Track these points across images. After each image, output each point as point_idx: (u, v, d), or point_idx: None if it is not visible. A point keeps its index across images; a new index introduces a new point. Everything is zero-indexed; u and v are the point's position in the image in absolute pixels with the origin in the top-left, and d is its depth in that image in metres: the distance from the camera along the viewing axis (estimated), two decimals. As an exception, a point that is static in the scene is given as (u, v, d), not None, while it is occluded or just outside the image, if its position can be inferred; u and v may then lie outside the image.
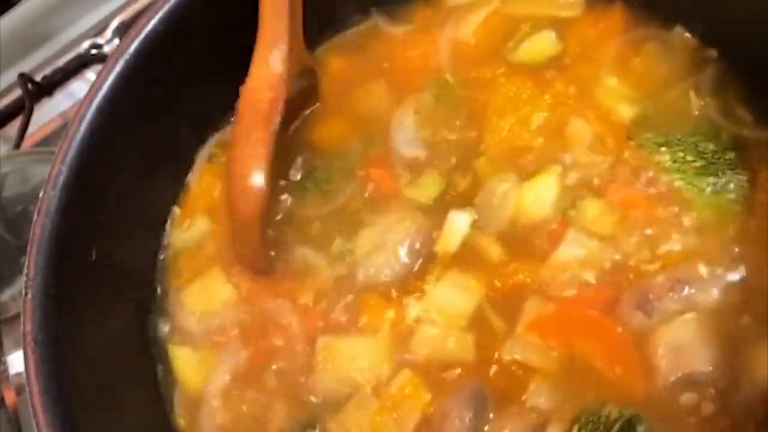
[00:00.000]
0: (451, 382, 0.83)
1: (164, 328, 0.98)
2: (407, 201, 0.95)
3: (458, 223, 0.91)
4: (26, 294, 0.84)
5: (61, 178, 0.90)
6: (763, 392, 0.75)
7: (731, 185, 0.86)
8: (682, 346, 0.78)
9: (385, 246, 0.92)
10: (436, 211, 0.93)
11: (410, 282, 0.90)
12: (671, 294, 0.80)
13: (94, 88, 0.90)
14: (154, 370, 0.96)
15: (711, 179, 0.86)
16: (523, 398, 0.80)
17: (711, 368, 0.76)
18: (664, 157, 0.89)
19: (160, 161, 1.00)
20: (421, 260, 0.91)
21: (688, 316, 0.79)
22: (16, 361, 1.30)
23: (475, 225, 0.91)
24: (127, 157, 0.94)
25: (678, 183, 0.87)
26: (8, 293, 1.36)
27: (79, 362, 0.84)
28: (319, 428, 0.85)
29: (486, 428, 0.80)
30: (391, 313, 0.89)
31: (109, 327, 0.90)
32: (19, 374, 1.30)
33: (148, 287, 1.00)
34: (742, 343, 0.78)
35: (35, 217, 0.90)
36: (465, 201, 0.93)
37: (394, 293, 0.90)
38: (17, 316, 1.37)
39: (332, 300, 0.92)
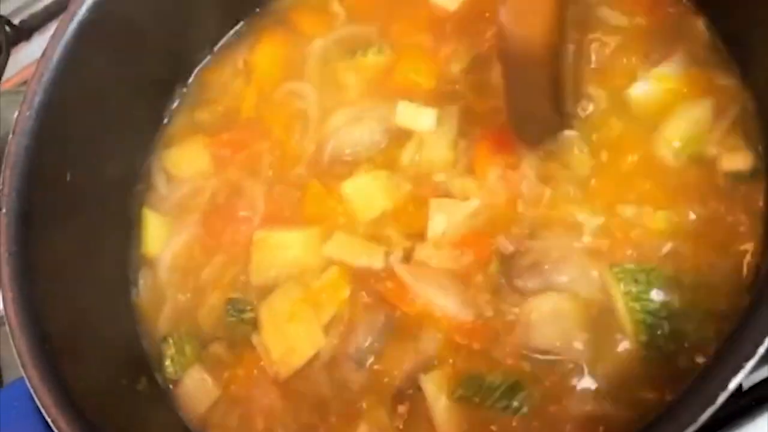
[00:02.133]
0: (368, 283, 0.85)
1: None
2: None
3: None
4: (1, 209, 0.85)
5: (37, 99, 0.91)
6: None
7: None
8: (536, 322, 0.77)
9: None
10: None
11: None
12: (531, 271, 0.79)
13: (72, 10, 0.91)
14: (127, 285, 0.97)
15: None
16: (418, 338, 0.81)
17: (563, 349, 0.75)
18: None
19: (141, 85, 1.02)
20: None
21: (544, 295, 0.78)
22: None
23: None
24: (105, 81, 0.95)
25: None
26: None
27: (52, 272, 0.85)
28: (250, 309, 0.88)
29: (378, 352, 0.82)
30: (328, 206, 0.91)
31: (85, 241, 0.91)
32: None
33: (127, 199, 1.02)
34: (596, 325, 0.76)
35: (10, 136, 0.90)
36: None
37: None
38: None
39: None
